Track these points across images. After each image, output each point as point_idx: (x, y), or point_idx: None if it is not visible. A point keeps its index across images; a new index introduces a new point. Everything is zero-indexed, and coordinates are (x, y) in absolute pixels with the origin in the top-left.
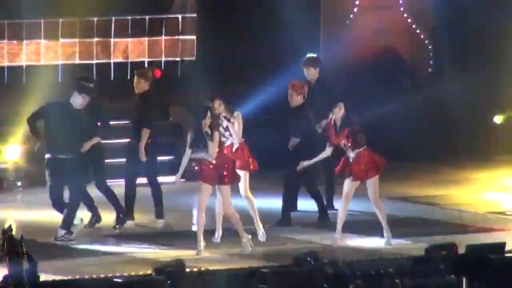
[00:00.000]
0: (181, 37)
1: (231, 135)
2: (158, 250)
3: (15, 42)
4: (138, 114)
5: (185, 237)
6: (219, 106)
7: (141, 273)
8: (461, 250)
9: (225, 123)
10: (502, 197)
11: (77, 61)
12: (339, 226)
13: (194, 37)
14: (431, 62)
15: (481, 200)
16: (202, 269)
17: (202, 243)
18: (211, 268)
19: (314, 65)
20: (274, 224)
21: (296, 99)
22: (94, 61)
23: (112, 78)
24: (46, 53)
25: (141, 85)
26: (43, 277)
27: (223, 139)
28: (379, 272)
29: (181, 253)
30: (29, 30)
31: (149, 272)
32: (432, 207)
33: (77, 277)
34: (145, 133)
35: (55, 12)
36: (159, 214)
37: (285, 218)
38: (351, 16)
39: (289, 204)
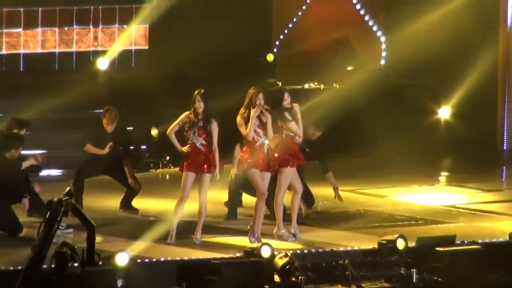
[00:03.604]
0: None
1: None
2: (109, 240)
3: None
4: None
5: (135, 227)
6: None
7: None
8: (412, 243)
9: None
10: (453, 191)
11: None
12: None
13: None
14: (383, 54)
15: (432, 194)
16: (154, 259)
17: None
18: (162, 258)
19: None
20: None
21: None
22: None
23: None
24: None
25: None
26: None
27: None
28: (330, 264)
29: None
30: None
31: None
32: (383, 200)
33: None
34: None
35: None
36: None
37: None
38: (304, 7)
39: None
